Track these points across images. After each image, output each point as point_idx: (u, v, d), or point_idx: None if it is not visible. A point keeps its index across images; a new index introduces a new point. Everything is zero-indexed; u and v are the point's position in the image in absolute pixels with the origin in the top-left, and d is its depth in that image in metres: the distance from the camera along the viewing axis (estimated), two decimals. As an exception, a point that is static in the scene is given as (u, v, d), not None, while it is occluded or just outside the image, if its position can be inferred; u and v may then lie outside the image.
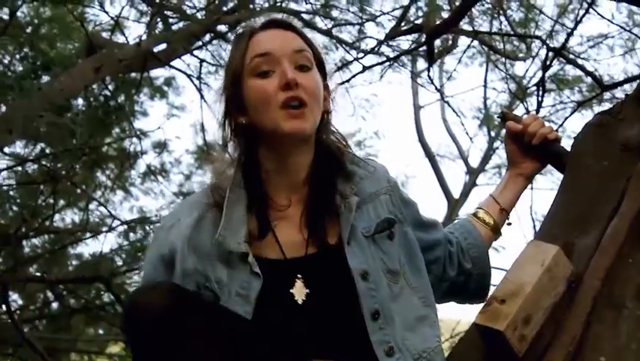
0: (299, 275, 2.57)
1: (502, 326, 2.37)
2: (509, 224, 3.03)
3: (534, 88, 8.42)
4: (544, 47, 7.66)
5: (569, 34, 7.76)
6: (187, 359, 2.20)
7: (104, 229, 9.51)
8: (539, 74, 10.13)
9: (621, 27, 9.18)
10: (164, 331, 2.19)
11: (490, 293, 2.55)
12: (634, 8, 8.71)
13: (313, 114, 2.57)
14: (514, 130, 2.97)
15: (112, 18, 8.55)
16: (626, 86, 8.10)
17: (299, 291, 2.55)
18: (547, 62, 7.48)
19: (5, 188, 8.67)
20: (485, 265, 2.92)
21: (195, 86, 9.24)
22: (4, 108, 8.04)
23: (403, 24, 7.77)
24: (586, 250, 2.55)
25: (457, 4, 6.88)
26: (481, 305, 2.57)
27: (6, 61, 8.41)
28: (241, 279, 2.53)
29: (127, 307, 2.32)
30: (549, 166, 3.10)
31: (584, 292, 2.46)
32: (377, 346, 2.51)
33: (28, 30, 8.35)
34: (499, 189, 3.02)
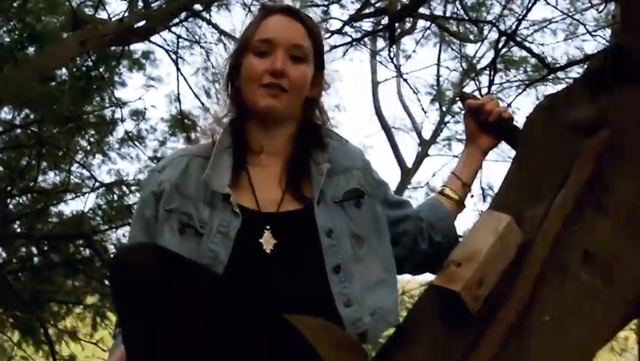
0: (268, 227, 2.64)
1: (459, 288, 2.41)
2: (472, 196, 3.09)
3: (485, 67, 8.46)
4: (496, 30, 7.70)
5: (520, 20, 7.79)
6: (167, 315, 2.20)
7: (85, 190, 9.51)
8: (489, 54, 10.23)
9: (564, 13, 9.24)
10: (146, 290, 2.20)
11: (447, 258, 2.57)
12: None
13: (290, 100, 2.69)
14: (473, 108, 3.01)
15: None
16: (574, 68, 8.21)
17: (267, 241, 2.63)
18: (499, 45, 7.51)
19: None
20: (453, 237, 2.99)
21: (172, 59, 9.31)
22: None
23: (366, 7, 7.80)
24: (535, 219, 2.57)
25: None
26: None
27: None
28: (222, 218, 2.62)
29: (113, 266, 2.34)
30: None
31: (533, 257, 2.49)
32: (337, 297, 2.59)
33: (15, 4, 8.33)
34: (460, 167, 3.07)
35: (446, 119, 12.11)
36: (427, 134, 14.15)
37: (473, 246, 2.51)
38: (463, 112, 3.10)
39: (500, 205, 2.69)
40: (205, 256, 2.58)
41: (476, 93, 9.37)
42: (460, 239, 2.97)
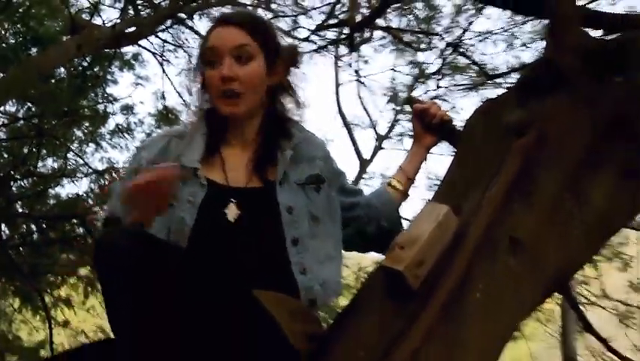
0: (233, 200, 2.67)
1: (402, 267, 2.43)
2: (416, 187, 3.13)
3: (434, 73, 8.55)
4: (444, 41, 7.77)
5: (464, 32, 7.88)
6: (143, 290, 2.21)
7: (79, 175, 9.53)
8: (438, 61, 10.32)
9: (504, 29, 9.35)
10: (127, 269, 2.22)
11: (393, 241, 2.59)
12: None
13: (247, 100, 2.72)
14: (419, 111, 3.05)
15: (91, 4, 8.58)
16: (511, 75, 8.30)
17: (232, 211, 2.66)
18: (445, 54, 7.58)
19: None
20: (397, 221, 3.05)
21: (158, 61, 9.36)
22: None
23: (330, 19, 7.85)
24: (470, 209, 2.59)
25: (376, 5, 6.99)
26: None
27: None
28: (191, 189, 2.66)
29: (97, 247, 2.34)
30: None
31: (467, 243, 2.51)
32: (294, 266, 2.64)
33: (20, 10, 8.34)
34: (406, 162, 3.12)
35: (399, 117, 12.16)
36: (382, 130, 14.23)
37: (415, 232, 2.53)
38: (414, 111, 3.13)
39: (440, 197, 2.72)
40: (174, 222, 2.61)
41: (425, 97, 9.57)
42: (404, 225, 3.01)
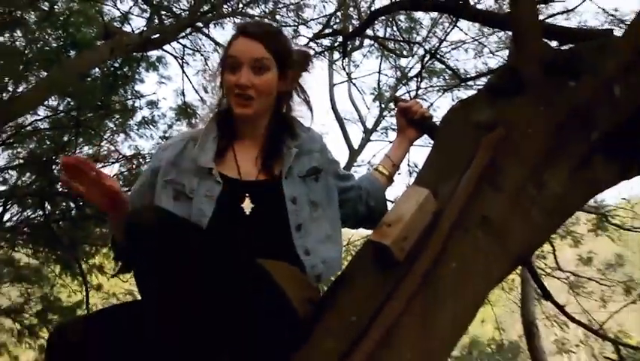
0: (247, 194, 2.67)
1: (389, 242, 2.46)
2: (399, 173, 3.13)
3: (414, 76, 8.58)
4: (423, 49, 7.79)
5: (440, 42, 7.89)
6: (168, 262, 2.22)
7: (111, 160, 9.55)
8: (417, 66, 10.30)
9: (474, 38, 9.36)
10: (152, 241, 2.23)
11: (381, 220, 2.60)
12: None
13: (258, 103, 2.71)
14: (403, 108, 3.07)
15: (122, 13, 8.59)
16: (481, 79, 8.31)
17: (247, 205, 2.66)
18: (425, 60, 7.59)
19: (43, 130, 8.65)
20: (383, 202, 3.05)
21: (179, 63, 9.36)
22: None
23: (326, 28, 7.87)
24: (447, 192, 2.61)
25: (365, 17, 7.03)
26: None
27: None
28: (208, 186, 2.66)
29: (128, 224, 2.31)
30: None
31: (444, 221, 2.53)
32: (299, 248, 2.64)
33: (61, 18, 8.35)
34: (392, 151, 3.13)
35: (384, 113, 12.15)
36: (369, 124, 14.27)
37: (400, 212, 2.54)
38: (397, 109, 3.14)
39: (421, 182, 2.72)
40: (194, 215, 2.62)
41: (407, 96, 9.62)
42: (389, 206, 3.02)
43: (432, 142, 2.99)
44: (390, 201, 3.06)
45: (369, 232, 2.76)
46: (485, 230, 2.58)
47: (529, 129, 2.72)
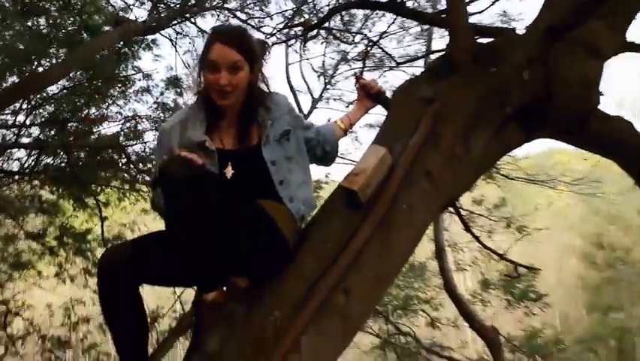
0: (229, 162, 2.65)
1: (356, 188, 2.51)
2: (351, 132, 3.12)
3: (362, 60, 8.54)
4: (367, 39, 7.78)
5: (383, 33, 7.88)
6: (196, 205, 2.26)
7: (115, 120, 9.45)
8: (354, 50, 10.19)
9: (402, 28, 9.31)
10: (183, 183, 2.25)
11: (350, 171, 2.62)
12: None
13: (235, 95, 2.66)
14: (363, 84, 3.05)
15: (127, 5, 8.47)
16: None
17: (228, 171, 2.64)
18: (369, 48, 7.58)
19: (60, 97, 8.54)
20: (336, 147, 3.03)
21: (172, 44, 9.22)
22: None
23: (291, 21, 7.82)
24: (399, 151, 2.63)
25: (323, 14, 7.02)
26: (342, 176, 2.68)
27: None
28: (207, 157, 2.59)
29: (162, 169, 2.32)
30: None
31: (397, 173, 2.57)
32: (284, 198, 2.63)
33: (77, 8, 8.23)
34: (351, 113, 3.11)
35: (327, 87, 12.13)
36: (316, 95, 14.25)
37: (364, 165, 2.57)
38: (356, 86, 3.10)
39: (379, 141, 2.73)
40: None
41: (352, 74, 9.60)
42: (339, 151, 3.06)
43: (386, 111, 2.98)
44: (353, 162, 3.06)
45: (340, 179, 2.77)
46: (427, 179, 2.63)
47: (460, 103, 2.76)
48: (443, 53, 3.03)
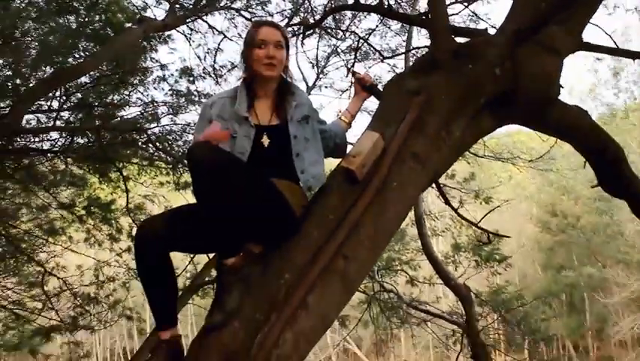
0: (265, 133, 2.72)
1: (354, 167, 2.54)
2: (355, 122, 3.15)
3: (354, 51, 8.46)
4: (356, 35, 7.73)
5: (372, 31, 7.84)
6: (227, 182, 2.29)
7: (135, 104, 9.38)
8: (344, 45, 10.09)
9: (384, 24, 9.21)
10: (207, 167, 2.27)
11: (348, 153, 2.63)
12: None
13: (278, 68, 2.76)
14: (358, 77, 3.08)
15: (146, 5, 8.40)
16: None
17: (265, 140, 2.71)
18: (358, 44, 7.54)
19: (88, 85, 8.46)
20: (344, 140, 3.07)
21: (186, 39, 9.12)
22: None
23: (291, 20, 7.76)
24: (390, 136, 2.65)
25: (321, 14, 6.97)
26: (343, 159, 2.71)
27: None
28: (246, 128, 2.70)
29: (189, 155, 2.33)
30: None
31: (389, 155, 2.60)
32: (297, 168, 2.70)
33: (103, 7, 8.15)
34: (350, 106, 3.12)
35: (320, 76, 12.04)
36: (310, 83, 14.16)
37: (360, 148, 2.59)
38: (352, 80, 3.14)
39: (373, 127, 2.74)
40: (238, 148, 2.66)
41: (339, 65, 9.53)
42: (349, 143, 3.07)
43: (378, 102, 2.99)
44: (351, 144, 3.08)
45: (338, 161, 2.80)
46: (415, 160, 2.65)
47: (442, 95, 2.77)
48: (426, 51, 3.05)
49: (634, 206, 3.43)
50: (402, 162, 2.64)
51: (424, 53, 3.15)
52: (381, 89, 3.03)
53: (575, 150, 3.31)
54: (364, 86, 3.06)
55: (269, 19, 3.12)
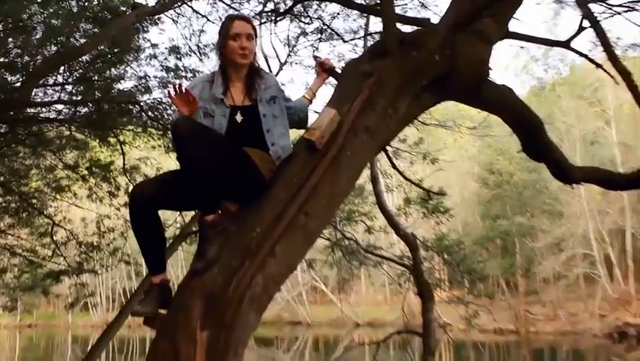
0: (239, 111, 2.72)
1: (314, 138, 2.56)
2: (315, 99, 3.15)
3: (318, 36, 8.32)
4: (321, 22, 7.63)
5: (334, 17, 7.71)
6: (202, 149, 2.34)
7: (128, 78, 9.19)
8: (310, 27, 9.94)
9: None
10: (188, 137, 2.32)
11: (309, 126, 2.66)
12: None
13: (250, 57, 2.75)
14: (320, 61, 3.07)
15: (141, -9, 8.17)
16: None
17: (239, 118, 2.71)
18: (322, 28, 7.44)
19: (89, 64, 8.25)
20: (306, 115, 3.06)
21: (173, 22, 8.93)
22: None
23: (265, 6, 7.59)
24: (345, 112, 2.66)
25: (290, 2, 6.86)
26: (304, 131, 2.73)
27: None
28: (222, 108, 2.69)
29: (173, 127, 2.38)
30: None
31: (343, 128, 2.63)
32: (268, 142, 2.71)
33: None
34: (312, 85, 3.11)
35: (290, 53, 11.89)
36: (282, 60, 13.95)
37: (320, 122, 2.61)
38: (315, 63, 3.12)
39: (331, 105, 2.76)
40: (216, 125, 2.67)
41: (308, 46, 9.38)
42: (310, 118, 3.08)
43: (336, 82, 3.02)
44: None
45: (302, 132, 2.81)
46: (366, 133, 2.68)
47: (390, 78, 2.80)
48: (378, 39, 3.07)
49: (550, 167, 3.51)
50: (355, 134, 2.65)
51: (377, 39, 3.15)
52: (339, 72, 3.03)
53: (503, 121, 3.38)
54: (324, 69, 3.07)
55: (241, 12, 3.06)
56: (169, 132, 9.02)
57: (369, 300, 43.52)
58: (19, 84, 7.09)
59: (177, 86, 2.50)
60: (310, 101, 3.10)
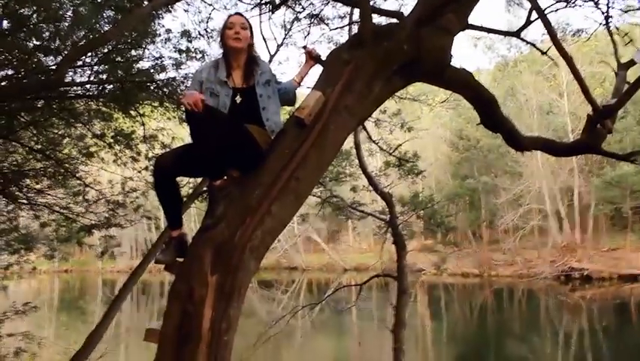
0: (238, 93, 2.74)
1: (303, 115, 2.63)
2: (303, 84, 3.19)
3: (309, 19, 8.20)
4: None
5: (321, 10, 7.62)
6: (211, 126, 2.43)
7: (147, 60, 9.10)
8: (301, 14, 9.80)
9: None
10: (200, 114, 2.39)
11: (299, 105, 2.71)
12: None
13: (243, 42, 2.77)
14: (308, 50, 3.10)
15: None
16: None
17: (238, 99, 2.73)
18: (311, 23, 7.37)
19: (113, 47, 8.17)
20: (294, 95, 3.09)
21: (184, 10, 8.80)
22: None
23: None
24: (329, 93, 2.73)
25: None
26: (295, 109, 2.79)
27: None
28: (226, 89, 2.72)
29: (185, 112, 2.44)
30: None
31: (327, 106, 2.69)
32: (264, 118, 2.75)
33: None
34: (301, 70, 3.12)
35: (280, 48, 11.78)
36: (272, 50, 13.74)
37: (308, 102, 2.68)
38: (304, 51, 3.13)
39: (317, 87, 2.81)
40: (221, 104, 2.72)
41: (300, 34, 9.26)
42: (299, 98, 3.14)
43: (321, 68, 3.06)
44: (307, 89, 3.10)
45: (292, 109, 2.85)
46: (346, 111, 2.75)
47: (366, 64, 2.84)
48: (356, 31, 3.11)
49: (504, 136, 3.61)
50: (337, 112, 2.71)
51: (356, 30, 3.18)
52: (324, 59, 3.07)
53: (464, 98, 3.47)
54: (312, 57, 3.11)
55: (238, 11, 3.09)
56: (181, 106, 9.02)
57: (355, 248, 43.98)
58: (54, 66, 7.06)
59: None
60: (299, 84, 3.13)
